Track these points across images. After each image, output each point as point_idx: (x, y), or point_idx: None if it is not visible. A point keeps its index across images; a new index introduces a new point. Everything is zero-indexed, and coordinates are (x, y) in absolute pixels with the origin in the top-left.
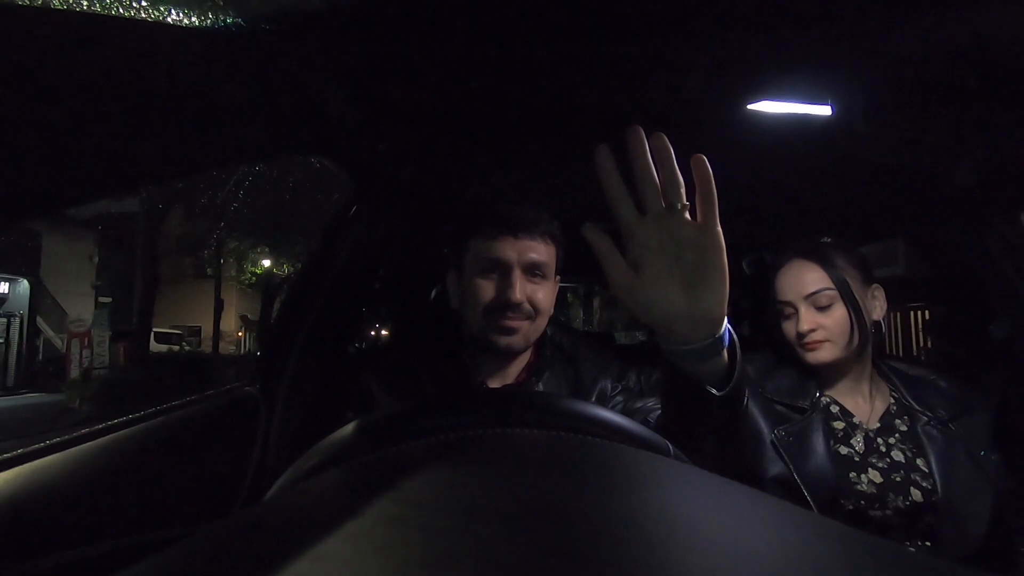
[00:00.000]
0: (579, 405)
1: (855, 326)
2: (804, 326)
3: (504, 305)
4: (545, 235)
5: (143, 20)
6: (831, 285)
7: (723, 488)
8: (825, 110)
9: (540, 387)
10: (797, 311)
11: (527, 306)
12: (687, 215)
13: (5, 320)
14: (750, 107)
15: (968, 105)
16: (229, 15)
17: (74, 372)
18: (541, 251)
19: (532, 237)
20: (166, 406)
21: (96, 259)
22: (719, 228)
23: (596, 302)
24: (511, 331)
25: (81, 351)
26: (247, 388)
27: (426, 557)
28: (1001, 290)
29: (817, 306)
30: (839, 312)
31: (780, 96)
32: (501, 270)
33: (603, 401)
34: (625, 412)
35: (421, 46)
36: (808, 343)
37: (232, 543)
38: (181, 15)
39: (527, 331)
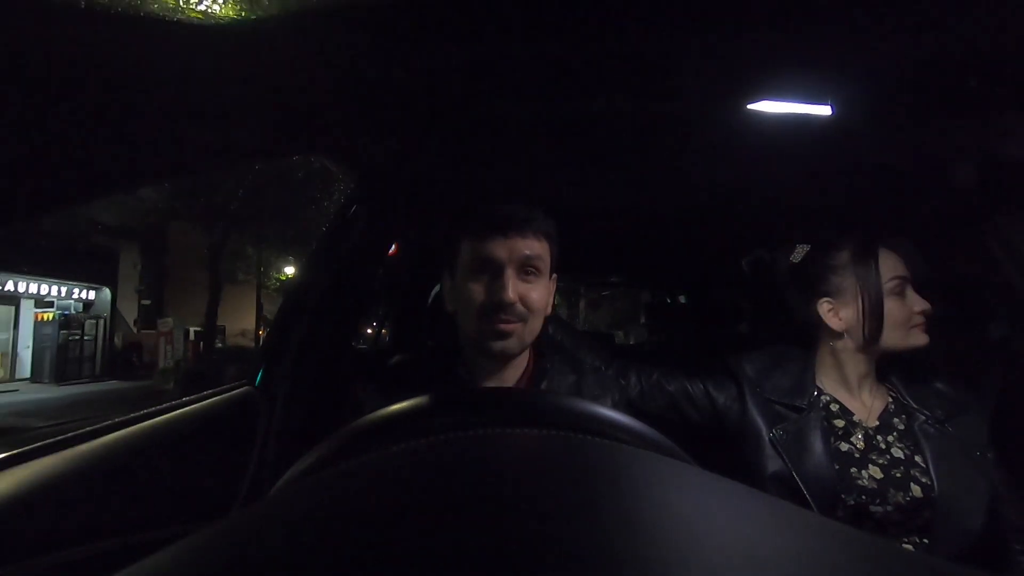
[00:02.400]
0: (580, 404)
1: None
2: (923, 304)
3: (497, 306)
4: (538, 232)
5: (143, 20)
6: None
7: (724, 488)
8: (825, 110)
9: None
10: (908, 290)
11: (520, 307)
12: None
13: (94, 321)
14: (750, 107)
15: (968, 105)
16: (229, 15)
17: (162, 363)
18: (533, 248)
19: (523, 235)
20: (165, 406)
21: (139, 267)
22: None
23: (582, 304)
24: (505, 335)
25: (164, 346)
26: (247, 388)
27: (426, 557)
28: (1000, 289)
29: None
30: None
31: (780, 96)
32: (492, 270)
33: (605, 402)
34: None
35: (421, 46)
36: (922, 324)
37: (232, 543)
38: (181, 14)
39: (521, 333)
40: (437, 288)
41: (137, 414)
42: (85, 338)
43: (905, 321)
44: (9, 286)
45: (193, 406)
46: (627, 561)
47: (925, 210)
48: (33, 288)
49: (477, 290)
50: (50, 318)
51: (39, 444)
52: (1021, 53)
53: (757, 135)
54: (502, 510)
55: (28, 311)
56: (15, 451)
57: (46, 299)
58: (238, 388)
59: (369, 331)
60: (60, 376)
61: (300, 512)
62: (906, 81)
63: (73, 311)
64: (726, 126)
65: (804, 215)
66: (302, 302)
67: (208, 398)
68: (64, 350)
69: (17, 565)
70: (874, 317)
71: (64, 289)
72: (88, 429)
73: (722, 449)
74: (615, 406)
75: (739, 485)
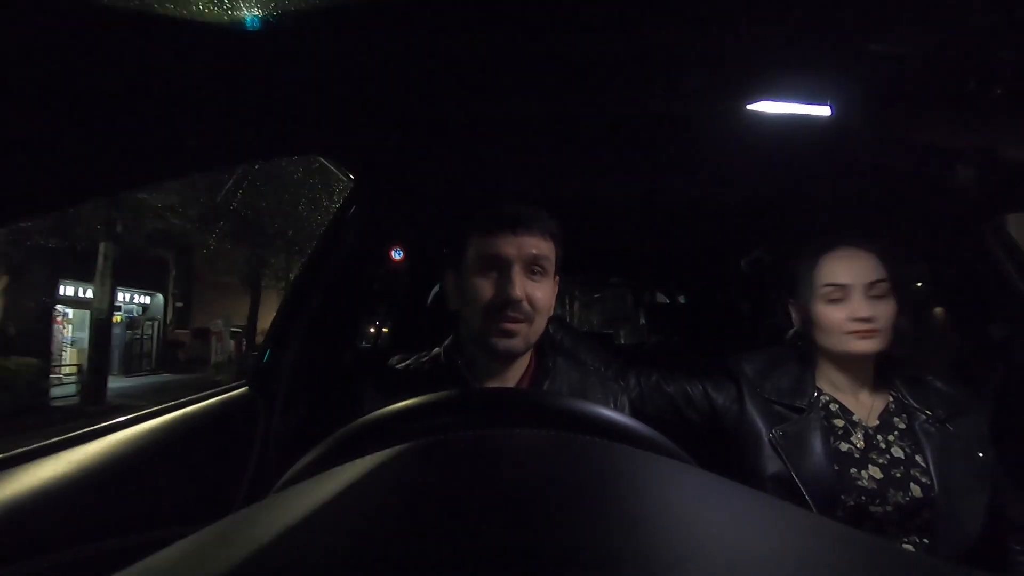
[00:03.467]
0: (581, 405)
1: (897, 320)
2: (864, 311)
3: (504, 303)
4: (545, 232)
5: (143, 20)
6: (887, 277)
7: (724, 488)
8: (825, 110)
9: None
10: (849, 296)
11: (526, 305)
12: None
13: (150, 322)
14: (750, 107)
15: (967, 105)
16: (229, 15)
17: (214, 358)
18: (541, 247)
19: (531, 233)
20: (165, 406)
21: (173, 272)
22: None
23: (575, 305)
24: (511, 334)
25: (216, 344)
26: (246, 389)
27: (427, 557)
28: (1000, 290)
29: (873, 295)
30: (891, 306)
31: (780, 96)
32: (500, 267)
33: (606, 403)
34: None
35: (421, 46)
36: (863, 331)
37: (232, 543)
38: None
39: (526, 333)
40: (437, 288)
41: (137, 414)
42: (144, 337)
43: (838, 328)
44: (88, 293)
45: (193, 406)
46: (628, 561)
47: (925, 210)
48: (77, 291)
49: (484, 287)
50: (118, 320)
51: (39, 444)
52: (1021, 53)
53: (757, 135)
54: (503, 510)
55: (72, 315)
56: (15, 451)
57: (114, 304)
58: (237, 389)
59: (371, 330)
60: (126, 369)
61: (300, 512)
62: (906, 81)
63: (135, 314)
64: (726, 126)
65: (803, 215)
66: (302, 302)
67: (208, 398)
68: (129, 347)
69: (17, 565)
70: (805, 321)
71: (128, 295)
72: (88, 429)
73: (722, 449)
74: (615, 407)
75: (739, 485)
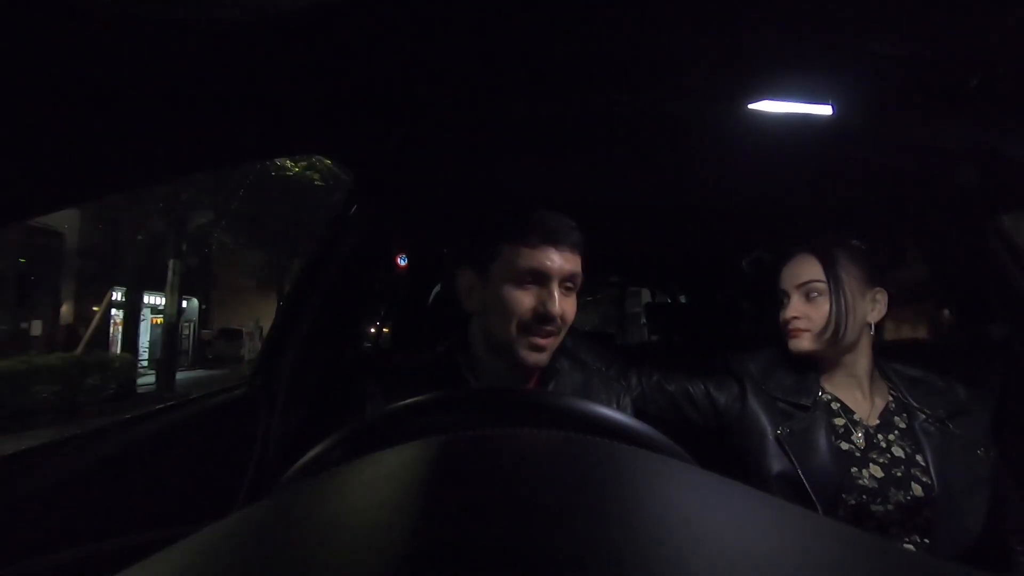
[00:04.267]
0: (583, 405)
1: (833, 321)
2: (789, 313)
3: (542, 318)
4: (577, 246)
5: (143, 20)
6: (823, 278)
7: (724, 488)
8: (826, 110)
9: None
10: (789, 299)
11: (559, 321)
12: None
13: (187, 324)
14: (751, 107)
15: (968, 105)
16: (229, 14)
17: (248, 355)
18: (576, 263)
19: (571, 249)
20: (165, 406)
21: (205, 278)
22: None
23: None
24: (542, 348)
25: (249, 342)
26: (247, 388)
27: (427, 557)
28: (1001, 290)
29: (807, 296)
30: (826, 305)
31: (781, 96)
32: (541, 281)
33: (609, 403)
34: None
35: (421, 45)
36: (790, 330)
37: (231, 543)
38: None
39: (553, 346)
40: (438, 288)
41: (137, 415)
42: (182, 337)
43: (783, 327)
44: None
45: (193, 406)
46: (629, 561)
47: (925, 210)
48: (150, 300)
49: (522, 299)
50: (161, 322)
51: (39, 444)
52: (1021, 53)
53: (758, 135)
54: (504, 510)
55: (147, 317)
56: (15, 451)
57: (158, 308)
58: (238, 388)
59: (372, 330)
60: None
61: (300, 512)
62: (907, 81)
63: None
64: (727, 126)
65: (804, 215)
66: (302, 302)
67: (208, 398)
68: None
69: (17, 565)
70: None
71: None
72: (88, 429)
73: (724, 449)
74: (617, 407)
75: (740, 485)
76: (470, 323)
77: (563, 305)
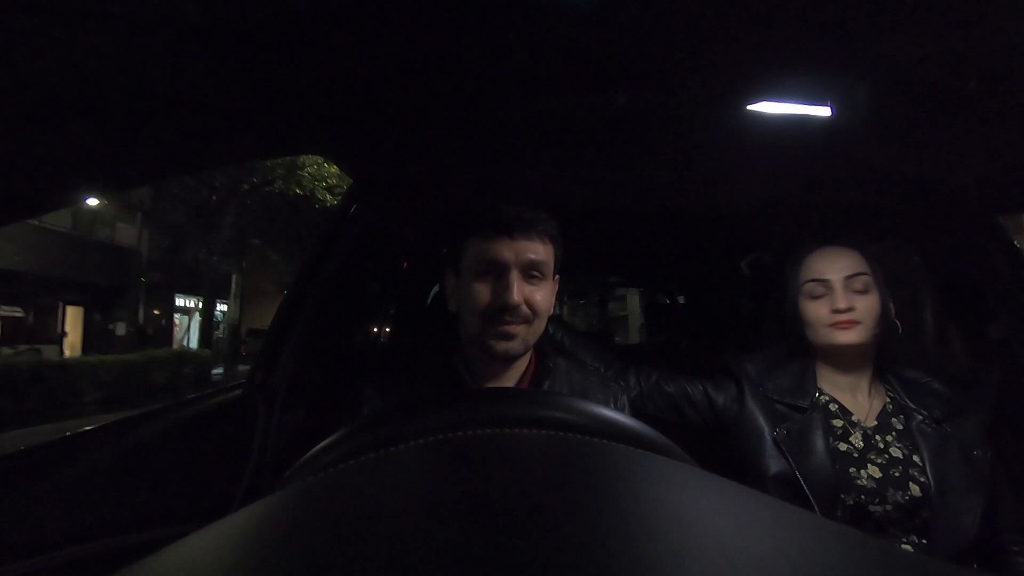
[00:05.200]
0: (580, 405)
1: (883, 315)
2: (842, 304)
3: (502, 308)
4: (543, 235)
5: (143, 20)
6: (868, 271)
7: (723, 488)
8: (825, 111)
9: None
10: (832, 291)
11: (525, 309)
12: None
13: (225, 325)
14: (750, 107)
15: (968, 106)
16: (229, 14)
17: None
18: (539, 251)
19: (529, 237)
20: (165, 406)
21: (236, 282)
22: None
23: (565, 310)
24: (509, 336)
25: None
26: (246, 388)
27: (426, 557)
28: (1000, 290)
29: (854, 289)
30: (872, 299)
31: (780, 97)
32: (497, 271)
33: (606, 403)
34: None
35: (421, 45)
36: (842, 322)
37: (232, 543)
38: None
39: (525, 335)
40: (436, 288)
41: (137, 414)
42: (221, 336)
43: (819, 321)
44: (189, 303)
45: (193, 406)
46: (627, 562)
47: (924, 210)
48: (195, 303)
49: (482, 291)
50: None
51: (39, 444)
52: (1020, 54)
53: (757, 136)
54: (501, 511)
55: (195, 319)
56: (15, 451)
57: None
58: (237, 388)
59: (372, 330)
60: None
61: (300, 512)
62: (906, 82)
63: (218, 318)
64: (726, 127)
65: (803, 215)
66: (302, 302)
67: (208, 398)
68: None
69: (17, 565)
70: (786, 315)
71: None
72: (88, 429)
73: (722, 449)
74: (615, 407)
75: (739, 485)
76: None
77: (528, 293)
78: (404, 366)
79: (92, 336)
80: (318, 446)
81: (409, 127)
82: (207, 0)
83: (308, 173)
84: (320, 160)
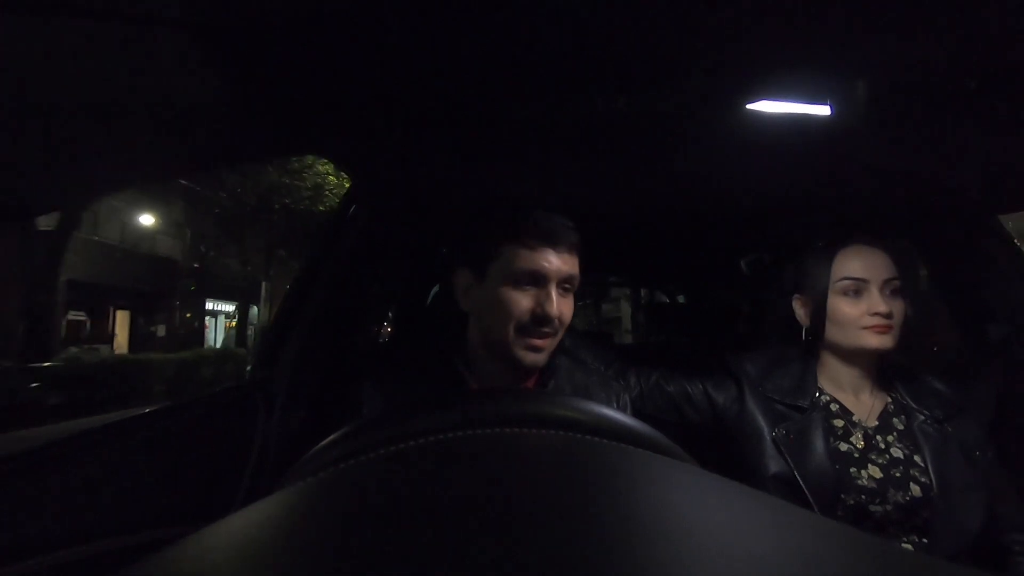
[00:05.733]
0: (581, 404)
1: (907, 319)
2: (884, 307)
3: (539, 320)
4: (574, 247)
5: (143, 20)
6: (898, 276)
7: (724, 488)
8: (824, 110)
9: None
10: (869, 292)
11: (556, 321)
12: None
13: (252, 326)
14: (749, 107)
15: (967, 106)
16: (230, 15)
17: None
18: (574, 264)
19: (569, 250)
20: (165, 406)
21: (264, 286)
22: None
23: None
24: (539, 349)
25: None
26: (246, 388)
27: (425, 558)
28: (1000, 290)
29: (890, 292)
30: (902, 303)
31: (779, 96)
32: (539, 283)
33: (608, 402)
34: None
35: (420, 46)
36: (879, 326)
37: (232, 543)
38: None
39: (551, 347)
40: (437, 288)
41: (137, 414)
42: (252, 336)
43: (852, 322)
44: (217, 307)
45: (193, 406)
46: (627, 562)
47: (924, 210)
48: (223, 307)
49: (519, 300)
50: (233, 325)
51: (39, 444)
52: (1021, 54)
53: (756, 135)
54: (502, 511)
55: (221, 321)
56: (15, 451)
57: (230, 314)
58: (237, 388)
59: (371, 330)
60: None
61: (300, 512)
62: (906, 81)
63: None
64: (725, 126)
65: (803, 215)
66: (302, 302)
67: (208, 398)
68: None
69: (17, 565)
70: (815, 315)
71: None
72: (88, 429)
73: (722, 449)
74: (617, 407)
75: (740, 485)
76: (468, 323)
77: (560, 306)
78: (404, 366)
79: (137, 337)
80: (318, 446)
81: (409, 128)
82: (208, 1)
83: (331, 192)
84: (345, 181)
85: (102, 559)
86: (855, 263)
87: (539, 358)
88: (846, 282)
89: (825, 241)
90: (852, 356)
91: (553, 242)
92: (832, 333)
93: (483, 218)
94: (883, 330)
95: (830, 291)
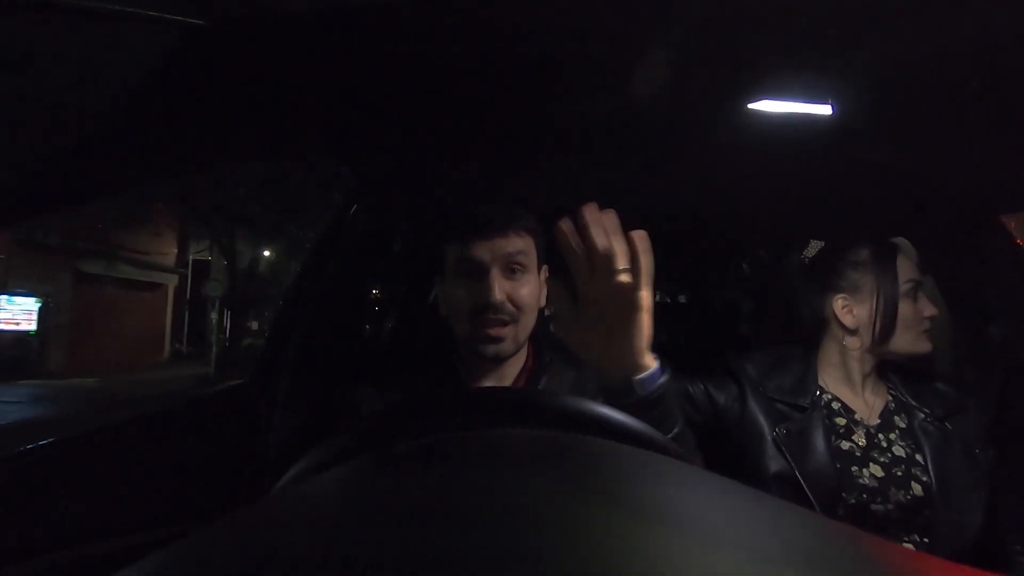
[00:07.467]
0: (577, 403)
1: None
2: (934, 309)
3: (484, 307)
4: (519, 229)
5: (143, 20)
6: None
7: (724, 487)
8: (825, 109)
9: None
10: (922, 294)
11: (509, 306)
12: (626, 277)
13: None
14: (750, 106)
15: (968, 105)
16: (230, 15)
17: None
18: (516, 245)
19: (504, 234)
20: (165, 406)
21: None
22: (644, 292)
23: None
24: (497, 339)
25: None
26: (246, 387)
27: (424, 558)
28: (1000, 290)
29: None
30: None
31: (780, 95)
32: (477, 272)
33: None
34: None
35: (422, 46)
36: (929, 331)
37: (232, 543)
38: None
39: (514, 334)
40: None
41: (137, 414)
42: None
43: (915, 325)
44: None
45: (193, 406)
46: (628, 561)
47: (925, 210)
48: None
49: (464, 293)
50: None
51: (39, 444)
52: (1021, 53)
53: (757, 135)
54: (500, 511)
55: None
56: (15, 451)
57: None
58: (237, 387)
59: (371, 330)
60: None
61: (300, 512)
62: (907, 81)
63: None
64: (726, 126)
65: (804, 215)
66: (302, 301)
67: (208, 397)
68: None
69: (17, 565)
70: (887, 317)
71: None
72: (88, 429)
73: (723, 449)
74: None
75: (741, 485)
76: None
77: (510, 290)
78: (404, 366)
79: None
80: (317, 446)
81: (410, 127)
82: (211, 0)
83: None
84: None
85: (102, 559)
86: (910, 263)
87: (501, 347)
88: (911, 284)
89: (878, 239)
90: (905, 359)
91: (486, 231)
92: (896, 337)
93: (436, 223)
94: (929, 332)
95: (899, 295)
